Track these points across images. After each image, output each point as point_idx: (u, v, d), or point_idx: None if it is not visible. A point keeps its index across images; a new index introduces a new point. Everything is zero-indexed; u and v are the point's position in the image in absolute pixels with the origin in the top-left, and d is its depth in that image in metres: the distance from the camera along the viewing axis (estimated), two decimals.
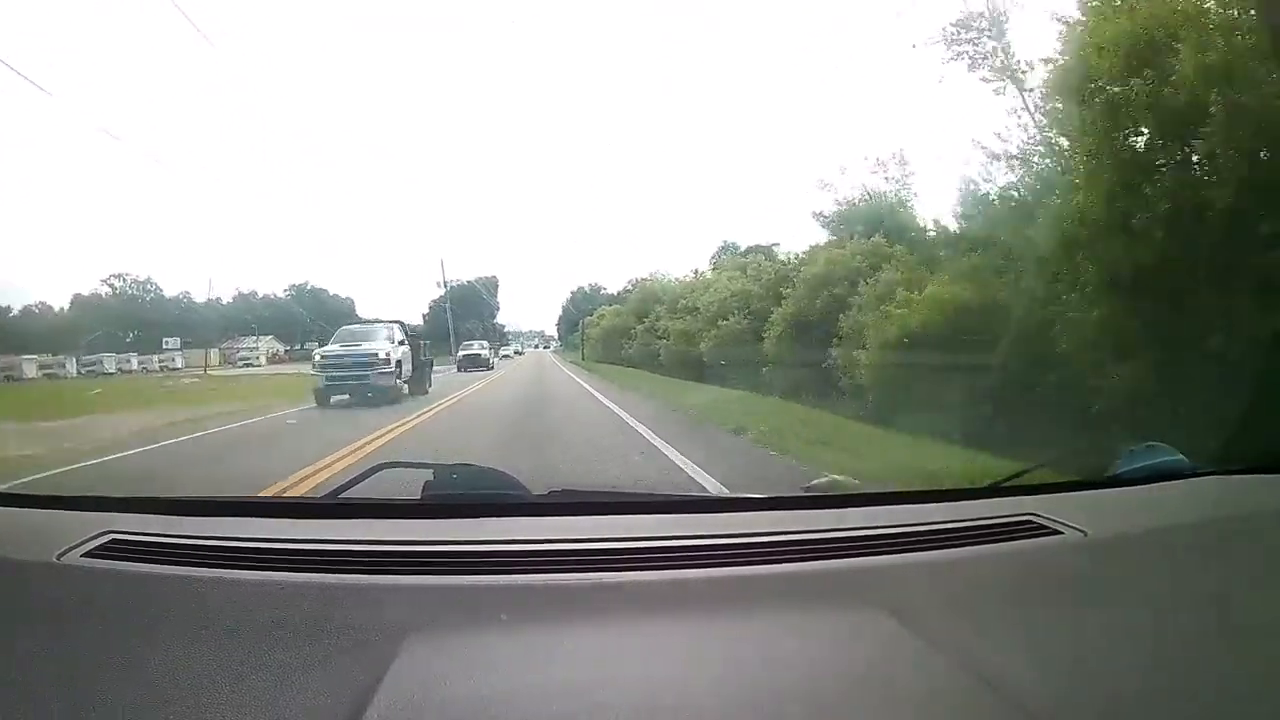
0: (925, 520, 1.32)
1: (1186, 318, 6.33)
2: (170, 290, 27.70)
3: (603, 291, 32.81)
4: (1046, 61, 9.29)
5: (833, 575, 1.13)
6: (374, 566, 1.12)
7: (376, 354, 12.69)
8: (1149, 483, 1.51)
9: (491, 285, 32.98)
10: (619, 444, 7.13)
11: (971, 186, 11.99)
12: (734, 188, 41.33)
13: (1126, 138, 6.87)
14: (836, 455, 6.10)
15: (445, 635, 0.96)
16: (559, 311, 35.94)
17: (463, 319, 29.88)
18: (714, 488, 4.94)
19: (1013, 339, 8.20)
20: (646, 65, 48.29)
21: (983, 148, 11.52)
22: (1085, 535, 1.25)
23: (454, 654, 0.92)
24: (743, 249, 23.57)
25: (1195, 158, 6.59)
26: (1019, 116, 11.29)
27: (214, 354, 27.61)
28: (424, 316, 29.97)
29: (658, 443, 6.99)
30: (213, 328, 27.81)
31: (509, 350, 32.26)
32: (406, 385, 13.37)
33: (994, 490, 1.53)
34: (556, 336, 37.31)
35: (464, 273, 31.75)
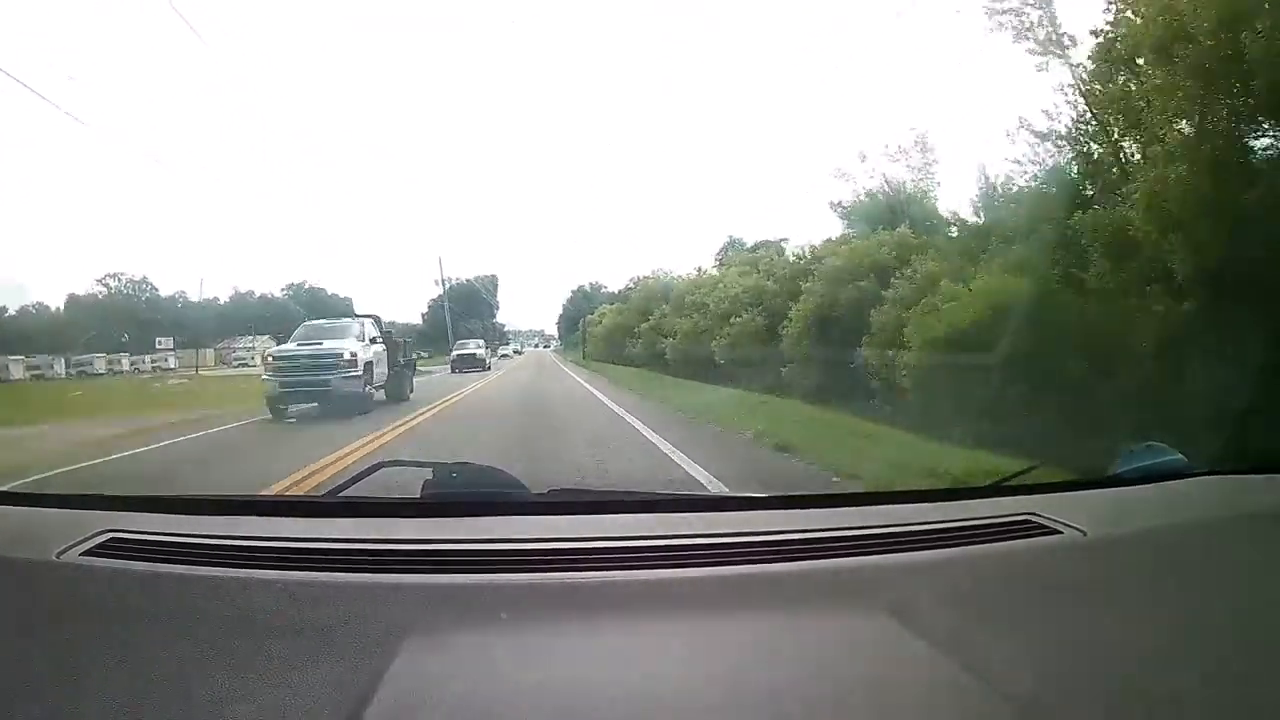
0: (925, 520, 1.32)
1: None
2: (166, 290, 27.50)
3: (603, 290, 32.83)
4: (1113, 23, 8.22)
5: (832, 575, 1.12)
6: (373, 565, 1.12)
7: (340, 354, 10.43)
8: (1149, 483, 1.50)
9: (491, 284, 32.63)
10: (655, 477, 5.45)
11: (1016, 170, 10.95)
12: (738, 183, 40.67)
13: (1239, 97, 5.79)
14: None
15: (445, 634, 0.96)
16: (559, 310, 36.11)
17: (462, 318, 29.57)
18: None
19: (1081, 336, 7.19)
20: (647, 58, 47.53)
21: (1027, 127, 10.45)
22: (1085, 535, 1.24)
23: (454, 653, 0.92)
24: (750, 244, 23.36)
25: None
26: (1066, 94, 10.22)
27: (210, 354, 27.66)
28: (423, 315, 29.68)
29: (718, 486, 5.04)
30: (208, 327, 27.70)
31: (508, 350, 31.86)
32: (383, 390, 11.63)
33: (994, 490, 1.53)
34: (556, 335, 37.38)
35: (463, 271, 31.50)
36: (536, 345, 36.79)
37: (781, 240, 20.97)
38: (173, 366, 24.33)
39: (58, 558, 1.13)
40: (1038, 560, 1.19)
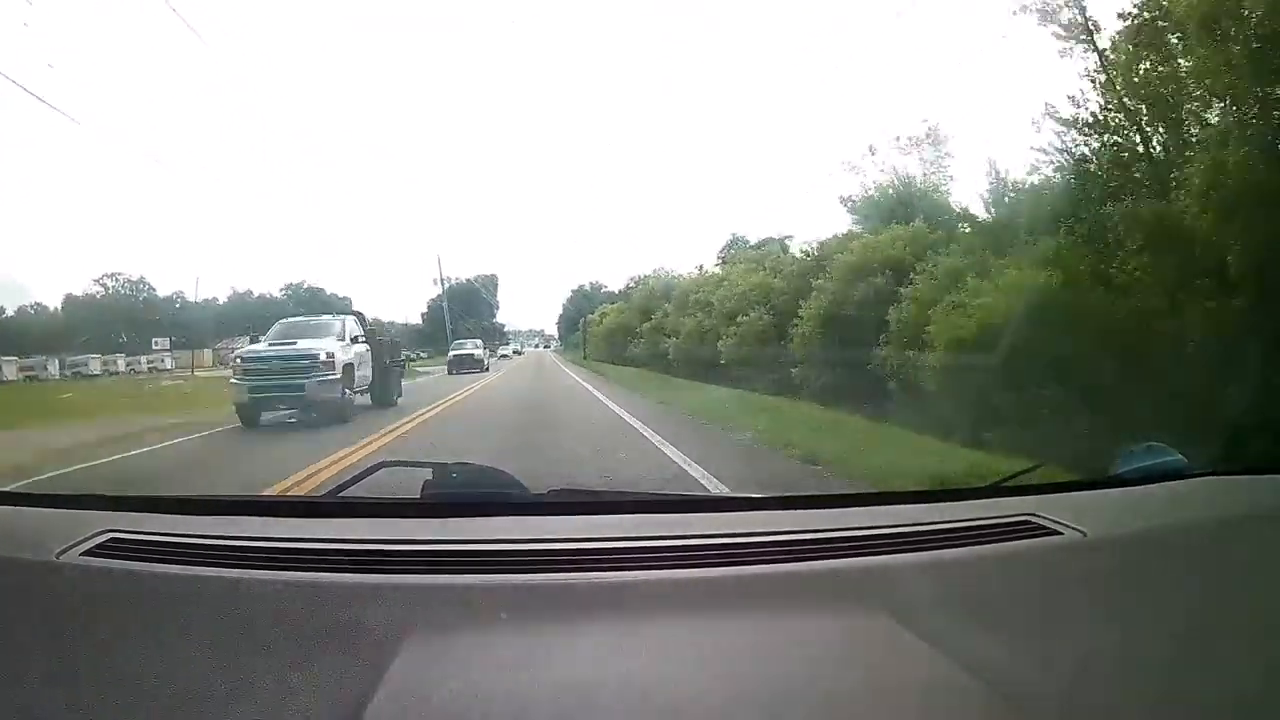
0: (925, 520, 1.31)
1: None
2: (164, 290, 27.25)
3: (604, 290, 32.65)
4: (1145, 4, 7.79)
5: (832, 575, 1.12)
6: (373, 565, 1.12)
7: (316, 355, 9.12)
8: (1149, 483, 1.49)
9: (491, 284, 32.32)
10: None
11: (1042, 159, 10.47)
12: (740, 179, 40.15)
13: None
14: None
15: (445, 634, 0.96)
16: (559, 310, 35.89)
17: (461, 318, 29.32)
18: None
19: (1120, 335, 6.75)
20: (646, 55, 47.13)
21: (1052, 114, 9.99)
22: (1084, 535, 1.24)
23: (454, 653, 0.92)
24: (754, 242, 23.06)
25: None
26: (1092, 79, 9.77)
27: (208, 354, 27.50)
28: (423, 315, 29.35)
29: None
30: (206, 328, 27.51)
31: (508, 350, 31.54)
32: (368, 395, 10.54)
33: (993, 490, 1.53)
34: (557, 335, 37.19)
35: (463, 271, 31.21)
36: (536, 345, 36.49)
37: (786, 237, 20.60)
38: (169, 367, 24.04)
39: (58, 558, 1.14)
40: (1038, 561, 1.20)
